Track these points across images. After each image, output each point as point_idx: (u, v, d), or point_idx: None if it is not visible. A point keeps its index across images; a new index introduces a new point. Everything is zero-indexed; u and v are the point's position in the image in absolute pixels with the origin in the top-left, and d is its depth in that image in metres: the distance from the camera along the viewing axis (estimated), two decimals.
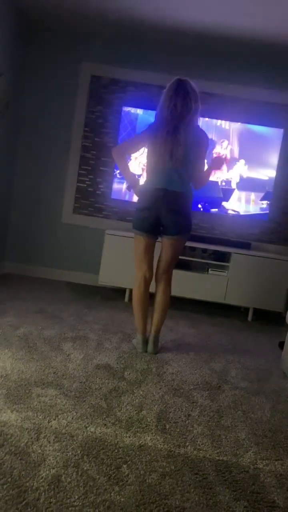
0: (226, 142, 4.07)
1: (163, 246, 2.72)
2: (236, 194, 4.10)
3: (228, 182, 4.11)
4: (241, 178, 4.09)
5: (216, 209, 4.14)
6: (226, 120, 4.02)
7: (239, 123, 4.01)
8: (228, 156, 4.08)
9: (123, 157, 2.70)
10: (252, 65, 4.10)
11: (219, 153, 4.04)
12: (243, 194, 4.10)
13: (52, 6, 3.63)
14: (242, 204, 4.11)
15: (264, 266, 3.84)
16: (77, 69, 4.20)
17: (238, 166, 4.08)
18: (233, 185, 4.10)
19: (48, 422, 1.77)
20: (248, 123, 4.04)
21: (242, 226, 4.26)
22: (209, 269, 3.91)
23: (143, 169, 4.00)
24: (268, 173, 4.05)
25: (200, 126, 2.71)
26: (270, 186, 4.05)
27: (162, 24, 3.65)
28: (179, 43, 4.00)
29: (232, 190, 4.10)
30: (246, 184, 4.10)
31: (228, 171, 4.09)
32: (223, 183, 4.10)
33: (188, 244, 3.73)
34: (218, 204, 4.13)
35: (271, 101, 4.12)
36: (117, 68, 4.17)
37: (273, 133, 4.00)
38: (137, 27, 3.79)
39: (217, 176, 4.07)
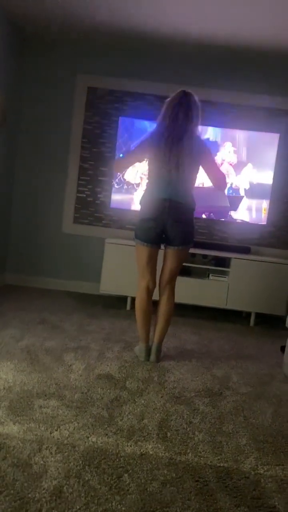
0: (229, 144, 4.04)
1: (167, 256, 2.74)
2: (245, 202, 4.07)
3: (235, 189, 4.06)
4: (251, 184, 4.04)
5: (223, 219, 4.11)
6: (221, 127, 4.05)
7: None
8: (235, 160, 4.05)
9: (125, 170, 2.77)
10: (246, 71, 4.14)
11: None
12: (253, 202, 4.05)
13: (46, 20, 3.69)
14: (253, 214, 4.05)
15: (264, 270, 3.86)
16: (74, 81, 4.25)
17: (246, 171, 4.05)
18: (241, 192, 4.07)
19: (50, 433, 1.79)
20: (244, 129, 4.06)
21: (241, 230, 4.28)
22: (210, 275, 3.93)
23: (141, 178, 4.03)
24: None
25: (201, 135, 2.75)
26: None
27: (157, 34, 3.70)
28: (174, 52, 4.05)
29: (240, 198, 4.06)
30: (256, 191, 4.03)
31: (236, 176, 4.04)
32: (230, 190, 4.07)
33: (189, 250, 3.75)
34: (225, 214, 4.10)
35: (266, 106, 4.15)
36: (114, 79, 4.21)
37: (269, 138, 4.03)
38: (132, 38, 3.84)
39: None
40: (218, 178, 2.73)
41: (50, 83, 4.27)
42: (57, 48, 4.22)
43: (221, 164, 4.03)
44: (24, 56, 4.20)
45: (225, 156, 4.02)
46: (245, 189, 4.06)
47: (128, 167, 2.82)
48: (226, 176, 2.78)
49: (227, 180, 4.00)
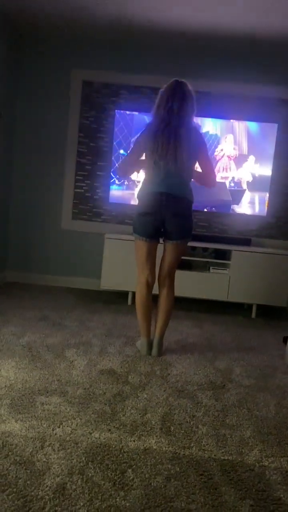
0: (231, 137, 4.01)
1: (166, 250, 2.71)
2: (247, 195, 4.04)
3: (237, 183, 4.03)
4: (253, 177, 4.02)
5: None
6: (219, 118, 4.02)
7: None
8: (236, 153, 4.02)
9: (129, 173, 2.76)
10: (243, 62, 4.10)
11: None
12: (255, 195, 4.02)
13: (41, 14, 3.65)
14: (255, 207, 4.04)
15: (265, 262, 3.84)
16: (69, 75, 4.21)
17: (248, 164, 4.02)
18: (244, 186, 4.04)
19: (53, 430, 1.78)
20: (242, 119, 4.03)
21: (241, 222, 4.26)
22: (211, 268, 3.91)
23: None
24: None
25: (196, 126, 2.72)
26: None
27: (153, 25, 3.66)
28: (169, 44, 4.01)
29: (242, 191, 4.04)
30: (257, 183, 4.00)
31: (237, 169, 4.02)
32: (232, 184, 4.04)
33: (189, 243, 3.72)
34: (227, 208, 4.08)
35: (264, 95, 4.12)
36: (109, 72, 4.18)
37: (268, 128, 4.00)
38: (126, 30, 3.80)
39: (221, 176, 4.03)
40: (210, 179, 2.72)
41: (45, 78, 4.24)
42: (51, 43, 4.19)
43: (222, 157, 4.00)
44: (19, 51, 4.17)
45: (226, 149, 3.99)
46: (247, 182, 4.03)
47: (132, 168, 2.77)
48: (215, 174, 2.77)
49: (227, 174, 3.99)
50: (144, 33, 3.81)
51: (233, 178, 4.02)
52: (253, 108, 4.12)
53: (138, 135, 2.71)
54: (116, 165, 3.91)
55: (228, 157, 4.00)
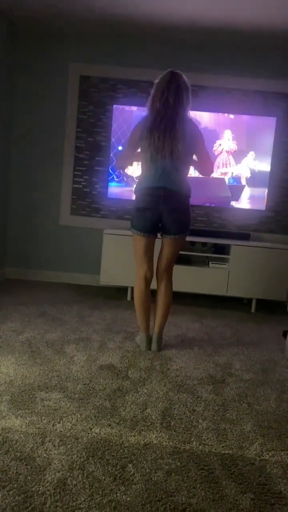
0: (229, 132, 3.98)
1: (164, 245, 2.71)
2: (247, 191, 4.03)
3: (237, 178, 4.02)
4: (252, 173, 4.00)
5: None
6: (217, 112, 4.00)
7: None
8: (235, 148, 3.99)
9: (127, 165, 2.76)
10: (241, 55, 4.08)
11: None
12: (254, 190, 4.02)
13: (38, 7, 3.61)
14: (255, 202, 4.03)
15: (264, 256, 3.83)
16: (66, 69, 4.18)
17: (247, 160, 4.00)
18: (243, 182, 4.02)
19: (53, 426, 1.78)
20: (240, 113, 4.01)
21: (240, 217, 4.25)
22: (210, 263, 3.91)
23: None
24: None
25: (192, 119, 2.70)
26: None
27: (151, 19, 3.62)
28: (167, 38, 3.98)
29: (242, 187, 4.03)
30: (257, 178, 3.99)
31: (236, 165, 4.00)
32: (231, 180, 4.01)
33: (188, 238, 3.70)
34: (227, 205, 4.07)
35: (263, 89, 4.10)
36: (106, 67, 4.15)
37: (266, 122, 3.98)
38: (123, 24, 3.77)
39: (221, 172, 4.01)
40: (206, 169, 2.72)
41: (43, 73, 4.21)
42: (49, 37, 4.15)
43: (220, 153, 3.98)
44: (16, 46, 4.14)
45: (224, 144, 3.98)
46: (246, 178, 4.02)
47: (128, 161, 2.79)
48: (214, 165, 2.77)
49: (227, 169, 3.98)
50: (142, 27, 3.78)
51: (232, 174, 4.00)
52: (252, 101, 4.10)
53: (134, 127, 2.68)
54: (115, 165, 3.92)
55: (227, 152, 3.98)
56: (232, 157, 3.99)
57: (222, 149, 3.98)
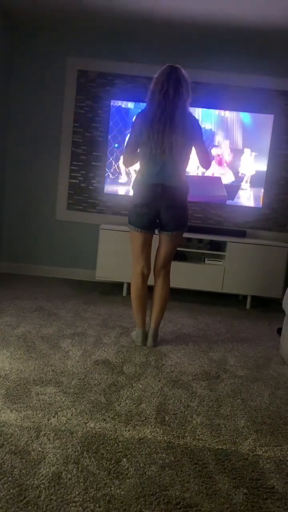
0: (227, 143, 3.97)
1: (162, 242, 2.71)
2: (246, 189, 4.03)
3: (240, 178, 4.02)
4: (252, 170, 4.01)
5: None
6: (215, 108, 4.00)
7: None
8: (231, 159, 4.00)
9: (133, 163, 2.73)
10: (239, 52, 4.07)
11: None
12: (253, 189, 4.03)
13: (35, 2, 3.59)
14: (251, 199, 4.03)
15: (260, 254, 3.85)
16: (64, 63, 4.17)
17: (245, 158, 3.99)
18: (247, 180, 4.03)
19: (48, 420, 1.79)
20: (238, 110, 4.01)
21: (236, 214, 4.25)
22: (206, 259, 3.92)
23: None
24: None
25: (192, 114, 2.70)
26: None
27: (149, 14, 3.61)
28: (166, 33, 3.97)
29: (238, 186, 4.02)
30: (255, 176, 4.00)
31: (239, 166, 4.01)
32: (233, 179, 4.03)
33: (184, 235, 3.72)
34: (222, 203, 4.09)
35: (261, 86, 4.10)
36: (104, 61, 4.13)
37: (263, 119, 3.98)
38: (121, 19, 3.76)
39: (221, 172, 4.02)
40: (206, 161, 2.70)
41: (40, 67, 4.19)
42: (46, 31, 4.13)
43: (220, 160, 4.00)
44: (13, 40, 4.11)
45: (223, 154, 3.99)
46: (250, 177, 4.03)
47: (136, 160, 2.71)
48: (211, 157, 2.76)
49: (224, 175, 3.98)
50: (140, 22, 3.77)
51: (238, 172, 4.02)
52: (249, 99, 4.10)
53: (134, 121, 2.64)
54: (121, 157, 3.90)
55: (226, 162, 4.00)
56: (228, 167, 4.01)
57: (220, 159, 3.98)
